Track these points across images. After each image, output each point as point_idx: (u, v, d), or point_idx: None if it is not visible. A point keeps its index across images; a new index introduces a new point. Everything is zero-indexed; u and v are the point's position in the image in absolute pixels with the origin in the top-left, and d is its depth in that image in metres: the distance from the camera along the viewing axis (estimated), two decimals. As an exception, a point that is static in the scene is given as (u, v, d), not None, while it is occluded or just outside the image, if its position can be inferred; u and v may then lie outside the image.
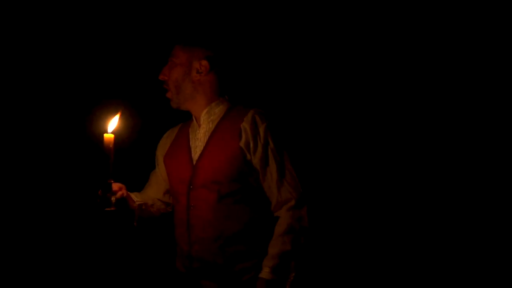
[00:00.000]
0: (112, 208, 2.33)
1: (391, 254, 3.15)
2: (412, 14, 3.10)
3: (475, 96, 3.07)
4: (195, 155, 2.39)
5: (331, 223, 3.10)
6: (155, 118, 3.20)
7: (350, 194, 3.18)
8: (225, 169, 2.29)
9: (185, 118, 2.62)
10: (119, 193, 2.37)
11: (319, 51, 3.21)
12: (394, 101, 3.16)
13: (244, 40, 3.18)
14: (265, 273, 2.21)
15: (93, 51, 3.18)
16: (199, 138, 2.41)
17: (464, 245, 3.07)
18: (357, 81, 3.20)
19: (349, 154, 3.20)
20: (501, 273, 2.99)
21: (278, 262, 2.20)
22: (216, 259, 2.31)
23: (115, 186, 2.37)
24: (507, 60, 3.01)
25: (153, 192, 2.61)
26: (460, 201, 3.08)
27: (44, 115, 3.13)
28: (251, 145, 2.29)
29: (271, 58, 3.23)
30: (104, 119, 2.34)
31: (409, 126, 3.16)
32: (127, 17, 3.21)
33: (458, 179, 3.09)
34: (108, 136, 2.29)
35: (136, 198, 2.50)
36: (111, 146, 2.28)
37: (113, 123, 2.32)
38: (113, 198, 2.34)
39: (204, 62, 2.38)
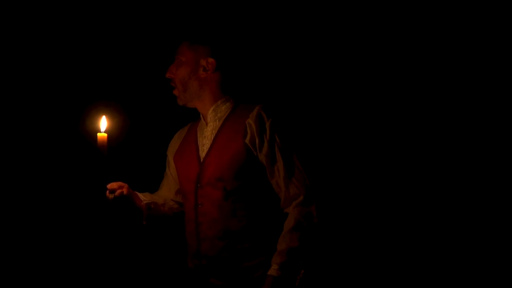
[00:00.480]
0: (110, 206, 2.35)
1: (400, 252, 3.13)
2: (420, 12, 3.10)
3: (476, 96, 3.05)
4: (203, 153, 2.40)
5: (340, 220, 3.07)
6: (157, 117, 3.21)
7: (357, 190, 3.16)
8: (230, 166, 2.29)
9: (185, 116, 2.65)
10: (118, 191, 2.37)
11: (324, 48, 3.19)
12: (399, 99, 3.14)
13: (250, 38, 3.17)
14: (273, 270, 2.19)
15: (89, 50, 3.19)
16: (206, 136, 2.42)
17: (465, 245, 3.05)
18: (363, 78, 3.18)
19: (356, 149, 3.18)
20: (501, 273, 2.97)
21: (286, 259, 2.18)
22: (224, 256, 2.31)
23: (115, 184, 2.38)
24: (507, 60, 2.99)
25: (165, 192, 2.63)
26: (467, 202, 3.06)
27: (37, 114, 3.14)
28: (257, 141, 2.28)
29: (276, 56, 3.21)
30: (97, 118, 2.35)
31: (420, 120, 3.13)
32: (127, 15, 3.21)
33: (465, 179, 3.07)
34: (102, 135, 2.30)
35: (144, 197, 2.52)
36: (105, 145, 2.29)
37: (105, 122, 2.33)
38: (110, 196, 2.35)
39: (211, 60, 2.39)
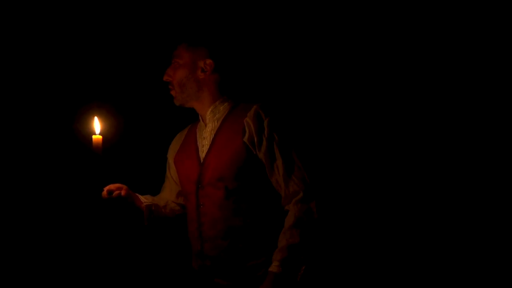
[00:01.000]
0: (107, 207, 2.37)
1: (399, 248, 3.13)
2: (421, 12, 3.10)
3: (477, 96, 3.05)
4: (203, 153, 2.41)
5: (340, 216, 3.07)
6: (153, 119, 3.21)
7: (356, 185, 3.15)
8: (230, 165, 2.30)
9: (182, 117, 2.66)
10: (116, 193, 2.39)
11: (321, 45, 3.19)
12: (396, 93, 3.14)
13: (247, 38, 3.16)
14: (274, 267, 2.19)
15: (84, 51, 3.18)
16: (206, 137, 2.43)
17: (465, 246, 3.06)
18: (359, 76, 3.17)
19: (354, 146, 3.18)
20: (501, 273, 2.97)
21: (286, 255, 2.18)
22: (227, 256, 2.32)
23: (113, 186, 2.40)
24: (507, 60, 2.99)
25: (166, 194, 2.65)
26: (467, 201, 3.06)
27: (31, 116, 3.13)
28: (256, 140, 2.28)
29: (274, 55, 3.20)
30: (92, 120, 2.35)
31: (418, 119, 3.13)
32: (124, 16, 3.20)
33: (466, 179, 3.07)
34: (97, 137, 2.31)
35: (145, 199, 2.53)
36: (99, 147, 2.30)
37: (100, 124, 2.34)
38: (107, 197, 2.37)
39: (209, 61, 2.40)
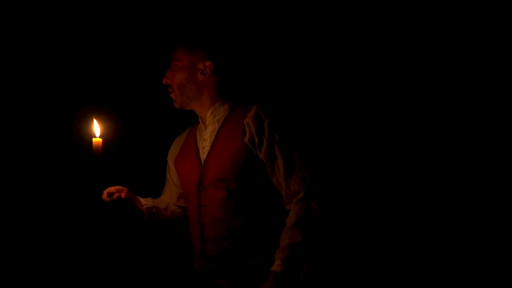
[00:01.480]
0: (107, 209, 2.37)
1: (400, 247, 3.15)
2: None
3: (477, 96, 3.06)
4: (203, 155, 2.42)
5: (341, 215, 3.08)
6: (152, 121, 3.21)
7: (356, 184, 3.16)
8: (231, 166, 2.31)
9: (182, 120, 2.66)
10: (116, 195, 2.39)
11: (321, 48, 3.19)
12: (395, 92, 3.15)
13: (245, 39, 3.16)
14: (276, 266, 2.20)
15: (84, 54, 3.18)
16: (206, 139, 2.44)
17: (465, 245, 3.08)
18: (358, 77, 3.18)
19: (353, 145, 3.18)
20: (501, 273, 2.99)
21: (288, 254, 2.19)
22: (229, 256, 2.34)
23: (113, 188, 2.41)
24: (507, 60, 3.00)
25: (167, 197, 2.66)
26: (468, 201, 3.08)
27: (30, 119, 3.12)
28: (256, 140, 2.29)
29: (273, 56, 3.20)
30: (92, 123, 2.35)
31: (417, 119, 3.14)
32: (122, 19, 3.19)
33: (466, 178, 3.09)
34: (97, 140, 2.31)
35: (145, 202, 2.54)
36: (99, 150, 2.30)
37: (99, 127, 2.34)
38: (107, 199, 2.37)
39: (209, 63, 2.40)
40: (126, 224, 2.89)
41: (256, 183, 2.32)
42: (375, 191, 3.14)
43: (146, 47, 3.19)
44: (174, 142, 2.66)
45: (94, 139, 2.31)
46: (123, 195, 2.41)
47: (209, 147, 2.41)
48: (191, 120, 2.61)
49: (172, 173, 2.63)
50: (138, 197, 2.53)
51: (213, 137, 2.41)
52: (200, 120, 2.51)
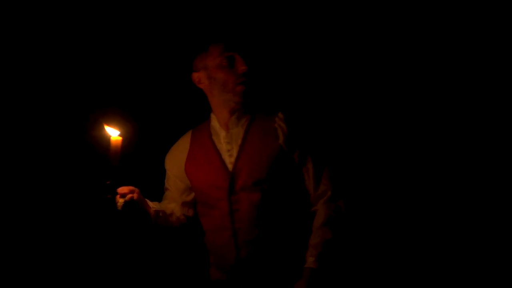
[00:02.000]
0: (120, 211, 2.32)
1: (401, 246, 3.18)
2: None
3: (477, 96, 3.12)
4: (231, 158, 2.40)
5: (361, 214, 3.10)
6: (164, 123, 3.17)
7: (370, 185, 3.21)
8: (267, 169, 2.34)
9: (186, 122, 2.65)
10: (129, 196, 2.34)
11: (329, 51, 3.24)
12: (404, 94, 3.20)
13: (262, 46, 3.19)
14: (310, 263, 2.26)
15: (93, 55, 3.14)
16: (229, 142, 2.42)
17: (465, 245, 3.12)
18: (366, 80, 3.23)
19: (371, 147, 3.24)
20: (501, 273, 3.04)
21: (321, 251, 2.27)
22: (266, 260, 2.35)
23: (125, 189, 2.35)
24: (507, 60, 3.06)
25: (171, 206, 2.60)
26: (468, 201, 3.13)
27: (45, 121, 3.10)
28: (289, 142, 2.35)
29: (279, 60, 3.25)
30: (108, 123, 2.32)
31: (416, 118, 3.19)
32: (122, 22, 3.18)
33: (468, 178, 3.14)
34: (116, 138, 2.26)
35: (153, 205, 2.51)
36: (118, 149, 2.26)
37: (115, 128, 2.30)
38: (121, 200, 2.32)
39: None
40: (137, 226, 2.85)
41: (287, 183, 2.37)
42: (389, 190, 3.19)
43: (159, 47, 3.18)
44: (174, 148, 2.60)
45: (112, 138, 2.25)
46: (135, 196, 2.37)
47: (237, 151, 2.40)
48: (191, 123, 2.60)
49: (176, 182, 2.57)
50: (146, 199, 2.49)
51: (240, 141, 2.41)
52: (214, 123, 2.48)
